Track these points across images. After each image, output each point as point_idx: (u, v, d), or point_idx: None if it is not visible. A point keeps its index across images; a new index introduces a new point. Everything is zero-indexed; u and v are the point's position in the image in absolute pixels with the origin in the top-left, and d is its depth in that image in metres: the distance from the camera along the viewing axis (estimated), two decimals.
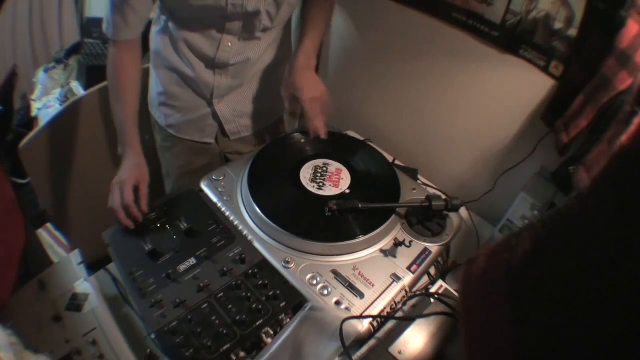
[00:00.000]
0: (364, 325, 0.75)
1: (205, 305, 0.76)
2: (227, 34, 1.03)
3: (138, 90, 1.03)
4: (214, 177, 1.01)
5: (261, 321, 0.74)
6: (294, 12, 1.10)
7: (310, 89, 1.04)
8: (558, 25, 0.95)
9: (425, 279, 0.88)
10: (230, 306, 0.76)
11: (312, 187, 0.97)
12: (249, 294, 0.78)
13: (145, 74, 1.16)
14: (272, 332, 0.76)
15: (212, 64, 1.08)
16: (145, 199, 0.93)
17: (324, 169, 1.02)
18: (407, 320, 0.77)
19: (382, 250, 0.87)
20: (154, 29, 1.11)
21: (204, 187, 0.99)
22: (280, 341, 0.72)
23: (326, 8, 1.14)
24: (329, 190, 0.97)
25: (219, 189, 0.98)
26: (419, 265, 0.85)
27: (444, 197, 0.91)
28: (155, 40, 1.10)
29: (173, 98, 1.15)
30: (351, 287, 0.80)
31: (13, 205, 0.97)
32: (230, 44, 1.04)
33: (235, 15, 0.98)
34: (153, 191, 0.97)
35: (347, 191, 0.97)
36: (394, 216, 0.92)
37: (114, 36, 0.97)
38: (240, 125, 1.22)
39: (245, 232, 0.89)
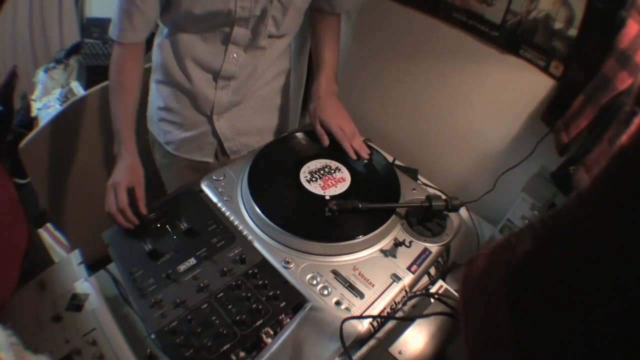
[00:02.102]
0: (364, 325, 0.75)
1: (205, 305, 0.76)
2: (233, 44, 1.01)
3: (138, 92, 1.02)
4: (214, 177, 1.01)
5: (261, 321, 0.74)
6: (299, 25, 1.10)
7: (337, 114, 1.07)
8: (558, 25, 0.95)
9: (425, 279, 0.88)
10: (230, 306, 0.76)
11: (312, 187, 0.97)
12: (249, 294, 0.78)
13: (144, 88, 1.15)
14: (272, 332, 0.76)
15: (217, 77, 1.06)
16: (142, 201, 0.92)
17: (324, 169, 1.02)
18: (407, 320, 0.77)
19: (382, 251, 0.87)
20: (156, 42, 1.09)
21: (204, 187, 0.99)
22: (280, 341, 0.72)
23: (337, 34, 1.15)
24: (329, 190, 0.97)
25: (219, 189, 0.98)
26: (419, 265, 0.85)
27: (444, 197, 0.91)
28: (157, 53, 1.09)
29: (172, 114, 1.13)
30: (351, 287, 0.80)
31: (15, 204, 0.96)
32: (235, 55, 1.03)
33: (243, 19, 0.97)
34: (153, 191, 0.97)
35: (347, 191, 0.97)
36: (394, 216, 0.92)
37: (119, 38, 0.97)
38: (240, 143, 1.20)
39: (245, 232, 0.89)
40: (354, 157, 1.05)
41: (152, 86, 1.15)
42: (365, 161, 1.06)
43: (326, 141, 1.07)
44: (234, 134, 1.18)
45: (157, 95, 1.14)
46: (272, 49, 1.09)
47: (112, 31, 0.98)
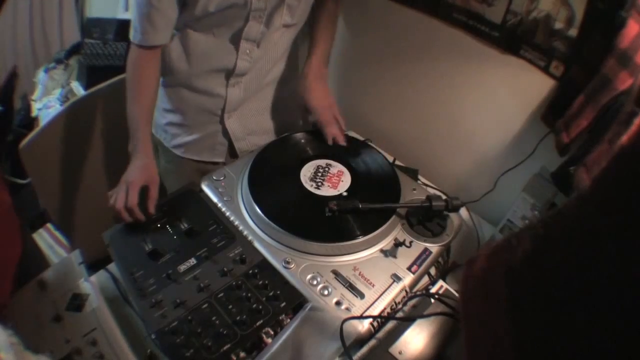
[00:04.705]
0: (364, 326, 0.75)
1: (205, 306, 0.76)
2: (245, 39, 1.01)
3: (157, 91, 1.02)
4: (214, 177, 1.01)
5: (261, 321, 0.74)
6: (308, 13, 1.09)
7: (319, 98, 1.08)
8: (558, 25, 0.95)
9: (426, 279, 0.88)
10: (230, 306, 0.76)
11: (312, 187, 0.97)
12: (249, 294, 0.78)
13: None
14: (272, 332, 0.76)
15: (230, 75, 1.06)
16: (153, 201, 0.92)
17: (325, 169, 1.02)
18: (407, 321, 0.77)
19: (382, 251, 0.87)
20: None
21: (204, 187, 0.99)
22: (280, 341, 0.72)
23: (333, 19, 1.15)
24: (330, 191, 0.97)
25: (219, 189, 0.98)
26: (419, 266, 0.85)
27: (444, 197, 0.91)
28: (165, 54, 1.06)
29: (181, 116, 1.12)
30: (351, 288, 0.80)
31: (9, 211, 0.93)
32: (248, 51, 1.03)
33: (258, 11, 0.96)
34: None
35: (347, 191, 0.97)
36: (394, 216, 0.92)
37: (142, 42, 0.95)
38: (251, 143, 1.20)
39: (245, 232, 0.89)
40: (330, 143, 1.07)
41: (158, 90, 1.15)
42: (367, 162, 1.06)
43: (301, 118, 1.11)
44: (245, 133, 1.18)
45: (164, 99, 1.13)
46: (282, 40, 1.08)
47: (133, 36, 0.96)
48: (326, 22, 1.13)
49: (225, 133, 1.15)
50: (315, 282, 0.80)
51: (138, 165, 0.94)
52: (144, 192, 0.91)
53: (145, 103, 0.99)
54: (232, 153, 1.20)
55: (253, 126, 1.18)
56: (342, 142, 1.08)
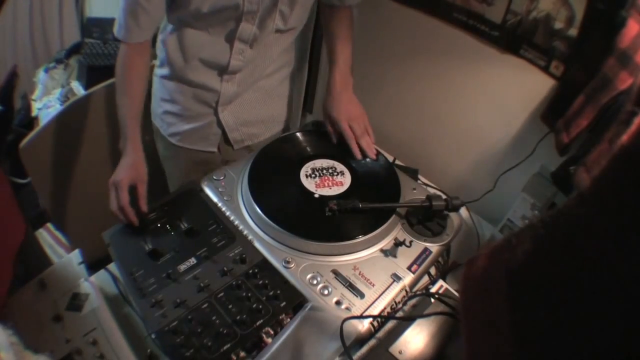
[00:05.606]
0: (364, 325, 0.75)
1: (205, 305, 0.76)
2: (239, 40, 1.01)
3: (145, 88, 1.02)
4: (214, 177, 1.01)
5: (261, 321, 0.74)
6: (305, 20, 1.09)
7: (347, 110, 1.07)
8: (558, 25, 0.95)
9: (426, 278, 0.88)
10: (230, 306, 0.76)
11: (312, 187, 0.97)
12: (249, 294, 0.78)
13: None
14: (272, 332, 0.76)
15: (223, 72, 1.07)
16: (143, 199, 0.91)
17: (325, 168, 1.02)
18: (407, 320, 0.77)
19: (382, 250, 0.87)
20: (160, 38, 1.09)
21: (204, 186, 0.99)
22: (280, 341, 0.72)
23: (351, 22, 1.14)
24: (330, 190, 0.97)
25: (219, 189, 0.98)
26: (419, 265, 0.85)
27: (444, 196, 0.91)
28: (162, 49, 1.08)
29: (177, 106, 1.14)
30: (351, 287, 0.80)
31: (10, 197, 0.93)
32: (242, 51, 1.04)
33: (250, 13, 0.97)
34: (153, 191, 0.96)
35: (348, 191, 0.97)
36: (394, 216, 0.92)
37: (125, 38, 0.96)
38: (244, 133, 1.21)
39: (245, 232, 0.89)
40: (359, 156, 1.05)
41: (155, 80, 1.16)
42: (367, 162, 1.06)
43: (334, 140, 1.09)
44: (238, 124, 1.19)
45: (161, 89, 1.14)
46: (277, 44, 1.09)
47: (117, 31, 0.97)
48: (343, 33, 1.12)
49: (219, 123, 1.17)
50: (315, 282, 0.80)
51: (125, 163, 0.94)
52: (134, 192, 0.91)
53: (134, 100, 0.99)
54: (227, 140, 1.22)
55: (246, 117, 1.19)
56: (372, 156, 1.05)
